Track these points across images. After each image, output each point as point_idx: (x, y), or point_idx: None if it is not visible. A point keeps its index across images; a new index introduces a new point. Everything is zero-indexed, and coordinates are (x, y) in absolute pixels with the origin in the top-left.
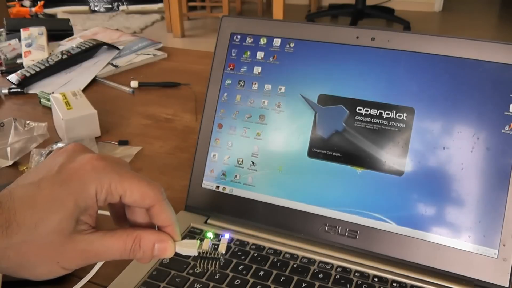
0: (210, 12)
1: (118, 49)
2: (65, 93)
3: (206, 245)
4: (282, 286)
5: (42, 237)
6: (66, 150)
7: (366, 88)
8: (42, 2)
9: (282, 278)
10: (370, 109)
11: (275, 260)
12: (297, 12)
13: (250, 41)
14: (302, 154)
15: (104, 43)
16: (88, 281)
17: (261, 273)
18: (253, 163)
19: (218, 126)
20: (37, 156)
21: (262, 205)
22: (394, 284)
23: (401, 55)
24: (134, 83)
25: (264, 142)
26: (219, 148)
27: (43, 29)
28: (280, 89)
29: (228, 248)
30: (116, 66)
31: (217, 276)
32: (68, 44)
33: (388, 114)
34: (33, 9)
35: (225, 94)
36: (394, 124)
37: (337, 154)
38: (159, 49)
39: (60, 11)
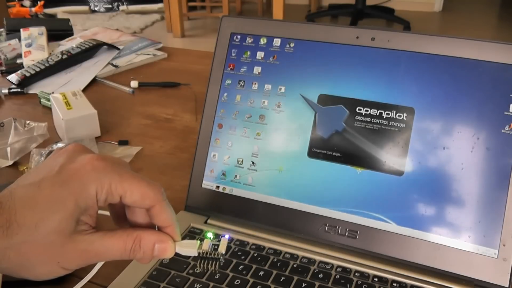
0: (210, 12)
1: (118, 49)
2: (65, 93)
3: (206, 245)
4: (282, 286)
5: (42, 237)
6: (67, 150)
7: (366, 88)
8: (42, 2)
9: (282, 278)
10: (370, 109)
11: (275, 260)
12: (297, 12)
13: (250, 41)
14: (302, 154)
15: (104, 43)
16: (88, 281)
17: (261, 273)
18: (253, 163)
19: (218, 126)
20: (37, 156)
21: (262, 205)
22: (394, 284)
23: (401, 55)
24: (134, 83)
25: (264, 142)
26: (219, 148)
27: (43, 29)
28: (280, 89)
29: (228, 248)
30: (116, 66)
31: (217, 276)
32: (68, 44)
33: (388, 114)
34: (33, 9)
35: (225, 94)
36: (394, 124)
37: (337, 154)
38: (159, 49)
39: (60, 11)
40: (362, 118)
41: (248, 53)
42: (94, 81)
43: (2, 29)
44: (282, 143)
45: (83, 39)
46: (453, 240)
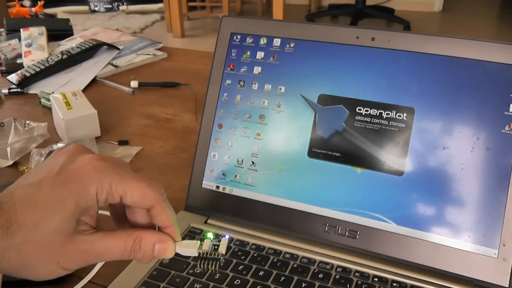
0: (210, 12)
1: (118, 49)
2: (65, 93)
3: (206, 245)
4: (282, 286)
5: (42, 237)
6: (67, 150)
7: (366, 88)
8: (42, 2)
9: (282, 278)
10: (370, 109)
11: (275, 260)
12: (297, 12)
13: (250, 41)
14: (302, 154)
15: (104, 43)
16: (88, 281)
17: (261, 273)
18: (253, 163)
19: (218, 126)
20: (37, 156)
21: (262, 205)
22: (394, 284)
23: (401, 55)
24: (134, 83)
25: (264, 142)
26: (219, 148)
27: (43, 29)
28: (280, 89)
29: (228, 248)
30: (116, 66)
31: (217, 276)
32: (68, 44)
33: (388, 114)
34: (33, 9)
35: (225, 94)
36: (394, 124)
37: (337, 154)
38: (159, 49)
39: (60, 11)
40: (362, 118)
41: (248, 53)
42: (94, 81)
43: (2, 29)
44: (282, 143)
45: (83, 39)
46: (453, 240)
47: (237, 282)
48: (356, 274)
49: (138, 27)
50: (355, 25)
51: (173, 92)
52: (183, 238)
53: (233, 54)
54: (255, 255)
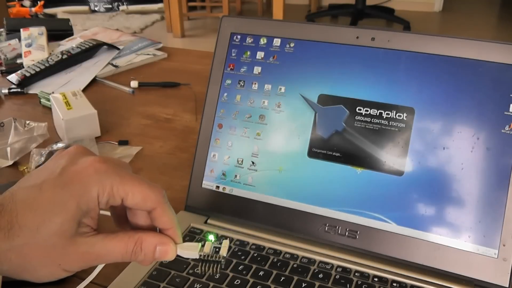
0: (210, 12)
1: (118, 49)
2: (65, 93)
3: (208, 248)
4: (282, 286)
5: (44, 239)
6: (68, 152)
7: (366, 88)
8: (42, 2)
9: (282, 278)
10: (370, 109)
11: (275, 260)
12: (297, 12)
13: (250, 41)
14: (302, 154)
15: (104, 43)
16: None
17: (261, 273)
18: (253, 163)
19: (218, 126)
20: (37, 156)
21: (262, 205)
22: (394, 284)
23: (401, 55)
24: (134, 83)
25: (264, 142)
26: (219, 148)
27: (43, 29)
28: (280, 89)
29: (228, 248)
30: (116, 66)
31: (217, 276)
32: (68, 44)
33: (388, 114)
34: (33, 9)
35: (225, 94)
36: (394, 124)
37: (337, 154)
38: (159, 49)
39: (60, 11)
40: (362, 118)
41: (248, 53)
42: (94, 81)
43: (2, 29)
44: (282, 143)
45: (83, 39)
46: (453, 240)
47: (237, 282)
48: (356, 274)
49: (138, 27)
50: (355, 25)
51: (173, 92)
52: (183, 238)
53: (233, 54)
54: (255, 255)
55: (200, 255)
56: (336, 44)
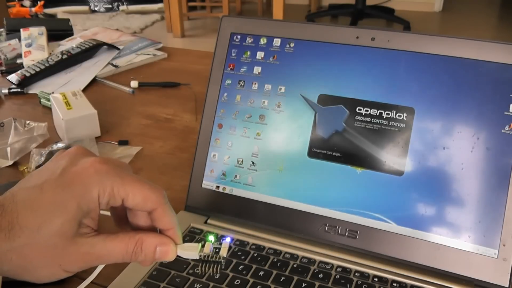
0: (210, 12)
1: (118, 49)
2: (65, 93)
3: (208, 248)
4: (282, 286)
5: (44, 240)
6: (69, 153)
7: (366, 88)
8: (42, 2)
9: (282, 278)
10: (370, 109)
11: (275, 260)
12: (297, 12)
13: (250, 41)
14: (302, 154)
15: (104, 43)
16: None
17: (261, 273)
18: (253, 163)
19: (218, 126)
20: (37, 156)
21: (262, 205)
22: (394, 284)
23: (401, 55)
24: (134, 83)
25: (264, 142)
26: (219, 148)
27: (43, 29)
28: (280, 89)
29: (228, 248)
30: (116, 66)
31: (217, 276)
32: (68, 44)
33: (388, 114)
34: (33, 9)
35: (225, 94)
36: (394, 124)
37: (337, 154)
38: (159, 49)
39: (60, 11)
40: (362, 118)
41: (248, 53)
42: (94, 81)
43: (2, 29)
44: (282, 143)
45: (83, 39)
46: (453, 240)
47: (237, 282)
48: (356, 274)
49: (138, 27)
50: (355, 25)
51: (173, 92)
52: (183, 238)
53: (233, 54)
54: (255, 255)
55: (200, 256)
56: (336, 44)
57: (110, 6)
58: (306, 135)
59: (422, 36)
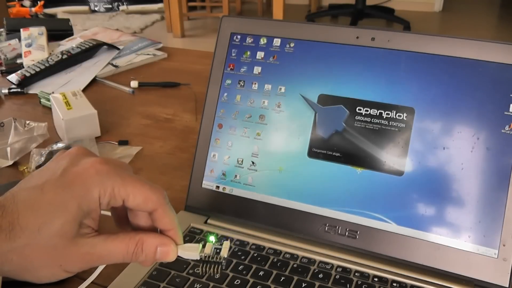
0: (210, 12)
1: (118, 49)
2: (65, 93)
3: (208, 249)
4: (282, 286)
5: (45, 240)
6: (69, 153)
7: (366, 88)
8: (42, 2)
9: (282, 278)
10: (370, 109)
11: (275, 260)
12: (297, 12)
13: (250, 41)
14: (302, 154)
15: (104, 43)
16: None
17: (261, 273)
18: (253, 163)
19: (218, 126)
20: (37, 156)
21: (262, 205)
22: (394, 284)
23: (401, 55)
24: (134, 83)
25: (264, 142)
26: (219, 148)
27: (43, 29)
28: (280, 89)
29: (229, 249)
30: (116, 66)
31: (217, 276)
32: (68, 44)
33: (388, 114)
34: (33, 9)
35: (225, 94)
36: (394, 124)
37: (337, 154)
38: (159, 49)
39: (60, 11)
40: (362, 118)
41: (248, 53)
42: (94, 81)
43: (2, 29)
44: (282, 143)
45: (83, 39)
46: (453, 240)
47: (237, 282)
48: (356, 274)
49: (138, 27)
50: (355, 25)
51: (173, 92)
52: (183, 238)
53: (233, 54)
54: (255, 255)
55: (201, 256)
56: (336, 44)
57: (110, 6)
58: (306, 135)
59: (422, 36)
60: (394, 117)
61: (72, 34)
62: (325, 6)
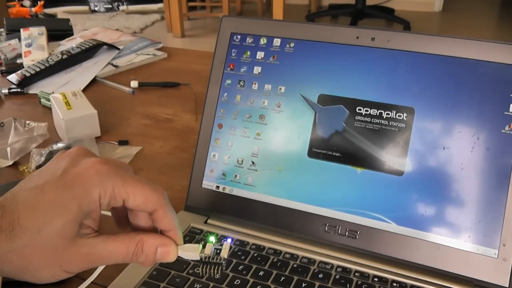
0: (210, 12)
1: (118, 49)
2: (65, 93)
3: (209, 249)
4: (282, 286)
5: (45, 241)
6: (70, 154)
7: (366, 88)
8: (42, 2)
9: (282, 278)
10: (370, 109)
11: (275, 260)
12: (297, 12)
13: (250, 41)
14: (302, 154)
15: (104, 43)
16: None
17: (261, 273)
18: (253, 163)
19: (218, 126)
20: (37, 156)
21: (262, 205)
22: (394, 284)
23: (401, 55)
24: (134, 83)
25: (264, 142)
26: (219, 148)
27: (43, 29)
28: (280, 89)
29: (229, 249)
30: (116, 66)
31: (217, 277)
32: (68, 44)
33: (388, 114)
34: (33, 9)
35: (225, 94)
36: (394, 124)
37: (337, 154)
38: (159, 49)
39: (60, 11)
40: (362, 118)
41: (248, 53)
42: (94, 81)
43: (2, 29)
44: (282, 143)
45: (83, 39)
46: (453, 240)
47: (237, 282)
48: (356, 274)
49: (138, 27)
50: (355, 25)
51: (173, 92)
52: (183, 239)
53: (233, 54)
54: (255, 255)
55: (201, 257)
56: (336, 44)
57: (110, 6)
58: (306, 135)
59: (422, 36)
60: (394, 117)
61: (72, 34)
62: (325, 6)
